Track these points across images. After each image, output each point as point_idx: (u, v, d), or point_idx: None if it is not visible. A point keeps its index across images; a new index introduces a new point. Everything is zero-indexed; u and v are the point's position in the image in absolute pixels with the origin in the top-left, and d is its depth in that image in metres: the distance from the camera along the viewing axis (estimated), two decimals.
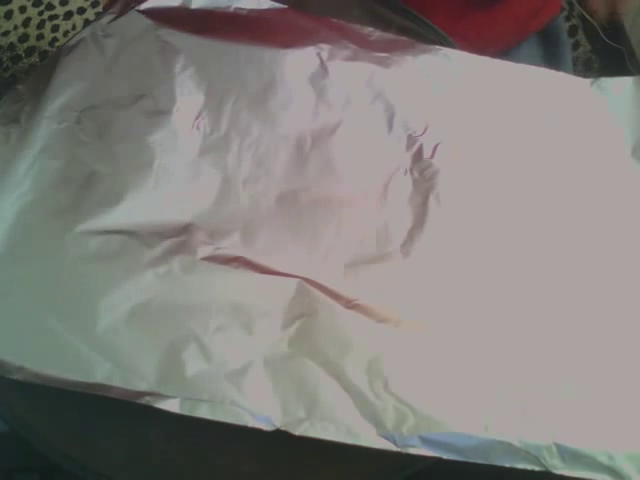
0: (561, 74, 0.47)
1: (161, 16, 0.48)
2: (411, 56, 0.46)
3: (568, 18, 0.84)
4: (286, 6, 0.48)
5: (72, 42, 0.47)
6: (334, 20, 0.47)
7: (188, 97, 0.45)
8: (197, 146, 0.44)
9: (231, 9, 0.48)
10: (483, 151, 0.44)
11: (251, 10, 0.48)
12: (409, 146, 0.44)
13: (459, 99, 0.46)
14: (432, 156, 0.44)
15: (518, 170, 0.43)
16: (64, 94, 0.45)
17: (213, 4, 0.48)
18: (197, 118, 0.45)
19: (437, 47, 0.47)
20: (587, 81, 0.47)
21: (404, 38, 0.47)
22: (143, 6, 0.48)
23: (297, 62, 0.47)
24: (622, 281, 0.40)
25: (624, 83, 0.47)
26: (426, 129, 0.45)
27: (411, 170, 0.43)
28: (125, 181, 0.42)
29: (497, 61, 0.47)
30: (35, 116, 0.44)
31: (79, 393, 0.35)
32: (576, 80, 0.47)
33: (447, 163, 0.43)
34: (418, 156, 0.44)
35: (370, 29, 0.47)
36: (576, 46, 0.81)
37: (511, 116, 0.45)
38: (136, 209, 0.41)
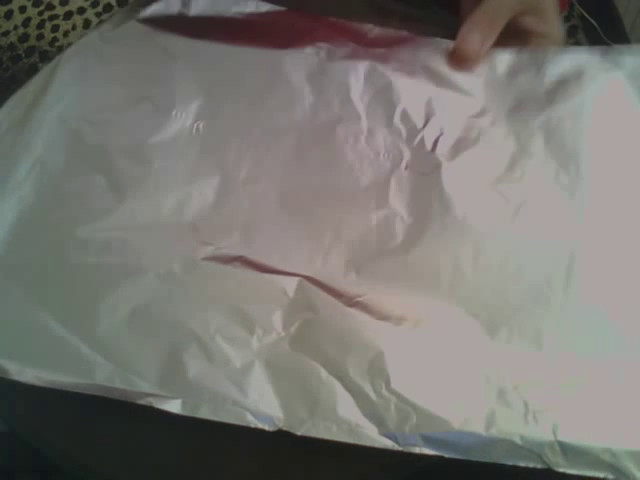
0: (567, 60, 0.45)
1: (160, 24, 0.48)
2: (411, 50, 0.46)
3: (568, 18, 0.84)
4: (284, 8, 0.48)
5: (72, 49, 0.48)
6: (332, 19, 0.47)
7: (187, 99, 0.45)
8: (197, 147, 0.44)
9: (229, 14, 0.48)
10: (486, 143, 0.44)
11: (249, 14, 0.48)
12: (410, 140, 0.44)
13: (460, 91, 0.45)
14: (433, 149, 0.43)
15: (520, 161, 0.43)
16: (64, 99, 0.45)
17: (211, 11, 0.48)
18: (196, 119, 0.44)
19: (438, 39, 0.46)
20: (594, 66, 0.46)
21: (404, 33, 0.47)
22: (142, 15, 0.48)
23: (296, 62, 0.47)
24: (627, 279, 0.39)
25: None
26: (427, 122, 0.44)
27: (412, 164, 0.43)
28: (125, 183, 0.42)
29: (498, 51, 0.46)
30: (36, 120, 0.44)
31: (79, 393, 0.35)
32: (583, 65, 0.45)
33: (449, 156, 0.43)
34: (419, 150, 0.43)
35: (370, 26, 0.47)
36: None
37: (512, 107, 0.45)
38: (136, 210, 0.41)
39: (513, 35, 0.46)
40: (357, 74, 0.46)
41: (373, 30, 0.47)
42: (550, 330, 0.37)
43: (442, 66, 0.46)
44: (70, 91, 0.45)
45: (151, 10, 0.49)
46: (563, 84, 0.45)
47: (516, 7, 0.45)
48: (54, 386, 0.35)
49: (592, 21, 0.58)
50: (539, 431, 0.34)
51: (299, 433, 0.34)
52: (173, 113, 0.45)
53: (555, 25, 0.47)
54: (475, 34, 0.44)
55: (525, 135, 0.44)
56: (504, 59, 0.46)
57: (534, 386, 0.35)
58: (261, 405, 0.35)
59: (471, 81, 0.46)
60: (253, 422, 0.35)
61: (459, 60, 0.45)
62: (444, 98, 0.45)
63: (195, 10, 0.48)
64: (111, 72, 0.46)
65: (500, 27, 0.44)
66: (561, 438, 0.33)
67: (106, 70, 0.47)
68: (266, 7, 0.48)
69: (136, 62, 0.47)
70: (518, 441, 0.33)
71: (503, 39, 0.46)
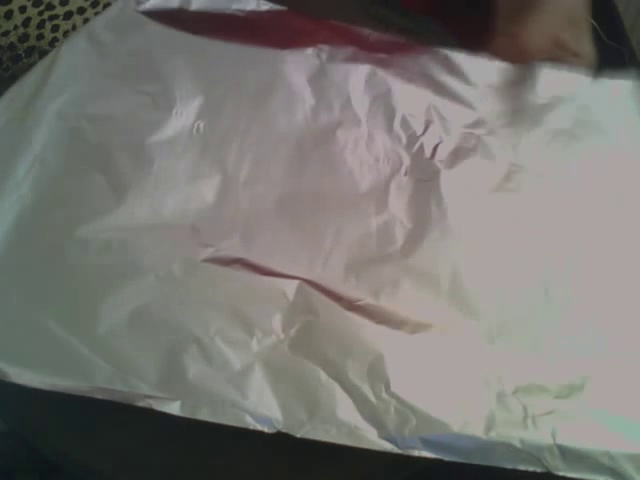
0: (563, 72, 0.47)
1: (160, 18, 0.48)
2: (411, 57, 0.47)
3: None
4: (285, 8, 0.48)
5: (70, 43, 0.47)
6: (333, 22, 0.47)
7: (187, 98, 0.45)
8: (197, 147, 0.43)
9: (230, 11, 0.48)
10: (483, 152, 0.44)
11: (250, 12, 0.48)
12: (409, 146, 0.44)
13: (458, 100, 0.46)
14: (433, 156, 0.44)
15: (516, 171, 0.43)
16: (63, 95, 0.45)
17: (212, 6, 0.48)
18: (197, 119, 0.44)
19: (436, 48, 0.47)
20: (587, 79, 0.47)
21: (404, 40, 0.47)
22: (142, 8, 0.48)
23: (297, 63, 0.47)
24: (626, 281, 0.40)
25: (623, 86, 0.47)
26: (426, 129, 0.45)
27: (411, 170, 0.43)
28: (125, 183, 0.42)
29: (496, 62, 0.47)
30: (34, 116, 0.44)
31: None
32: (577, 77, 0.47)
33: (447, 163, 0.43)
34: (419, 156, 0.44)
35: (370, 31, 0.47)
36: None
37: (509, 117, 0.45)
38: (136, 211, 0.41)
39: (547, 51, 0.47)
40: (358, 78, 0.46)
41: (373, 35, 0.47)
42: (549, 333, 0.38)
43: (441, 74, 0.46)
44: (69, 84, 0.45)
45: (152, 2, 0.48)
46: (558, 97, 0.46)
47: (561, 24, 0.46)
48: (55, 389, 0.35)
49: (592, 21, 0.58)
50: (538, 435, 0.34)
51: (298, 435, 0.34)
52: (174, 112, 0.44)
53: (589, 46, 0.47)
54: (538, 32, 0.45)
55: (522, 145, 0.44)
56: (502, 70, 0.46)
57: (533, 390, 0.35)
58: (260, 407, 0.35)
59: (470, 91, 0.46)
60: (252, 424, 0.35)
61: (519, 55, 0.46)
62: (443, 106, 0.45)
63: (196, 4, 0.48)
64: (110, 65, 0.46)
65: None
66: (560, 442, 0.34)
67: (105, 63, 0.46)
68: (267, 6, 0.48)
69: (136, 56, 0.46)
70: (517, 444, 0.34)
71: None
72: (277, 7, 0.48)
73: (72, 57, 0.46)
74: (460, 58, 0.47)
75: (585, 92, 0.46)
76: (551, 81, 0.46)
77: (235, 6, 0.48)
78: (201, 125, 0.44)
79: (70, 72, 0.45)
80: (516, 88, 0.46)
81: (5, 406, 0.38)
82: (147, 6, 0.48)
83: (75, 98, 0.45)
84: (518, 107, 0.46)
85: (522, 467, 0.33)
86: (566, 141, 0.45)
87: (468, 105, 0.46)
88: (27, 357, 0.36)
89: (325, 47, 0.47)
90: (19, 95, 0.45)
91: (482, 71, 0.47)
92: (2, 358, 0.36)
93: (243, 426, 0.34)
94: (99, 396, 0.35)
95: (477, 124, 0.45)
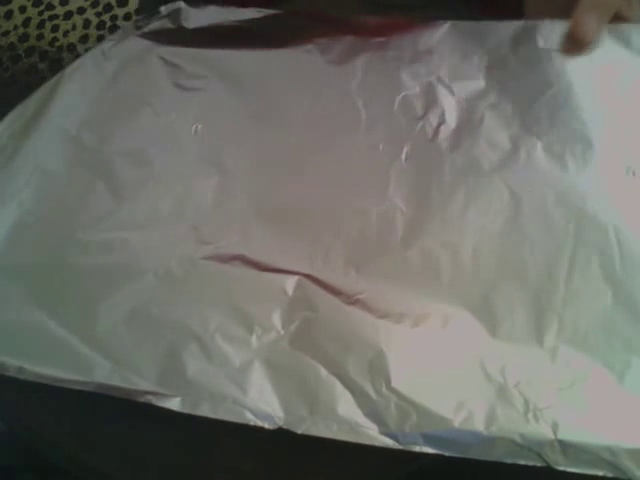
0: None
1: (161, 38, 0.49)
2: (410, 36, 0.46)
3: None
4: (280, 11, 0.48)
5: (74, 65, 0.49)
6: (329, 15, 0.47)
7: (187, 101, 0.46)
8: (196, 148, 0.44)
9: (227, 23, 0.49)
10: (488, 127, 0.42)
11: (246, 20, 0.48)
12: (410, 129, 0.43)
13: (461, 74, 0.44)
14: (434, 137, 0.43)
15: (524, 144, 0.41)
16: (66, 110, 0.46)
17: (209, 21, 0.49)
18: (196, 121, 0.45)
19: (437, 23, 0.46)
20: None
21: (402, 20, 0.47)
22: (142, 31, 0.50)
23: (294, 59, 0.47)
24: (630, 274, 0.39)
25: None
26: (427, 110, 0.44)
27: (412, 155, 0.42)
28: (124, 184, 0.42)
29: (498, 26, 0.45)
30: (37, 131, 0.45)
31: (79, 392, 0.35)
32: None
33: (450, 143, 0.42)
34: (420, 139, 0.43)
35: (366, 17, 0.47)
36: None
37: (515, 88, 0.43)
38: (135, 211, 0.42)
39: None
40: (355, 67, 0.46)
41: (370, 20, 0.47)
42: (551, 327, 0.37)
43: (443, 49, 0.45)
44: (72, 103, 0.47)
45: (152, 26, 0.50)
46: (566, 61, 0.43)
47: None
48: (53, 383, 0.35)
49: None
50: (539, 429, 0.34)
51: (299, 432, 0.34)
52: (172, 115, 0.45)
53: (638, 9, 0.45)
54: (591, 15, 0.40)
55: (529, 116, 0.42)
56: (506, 39, 0.45)
57: (535, 384, 0.35)
58: (261, 403, 0.35)
59: (472, 63, 0.45)
60: (253, 420, 0.34)
61: (575, 43, 0.41)
62: (445, 83, 0.44)
63: (194, 23, 0.49)
64: (111, 84, 0.48)
65: (616, 4, 0.41)
66: (561, 436, 0.33)
67: (107, 84, 0.48)
68: (262, 12, 0.48)
69: (137, 75, 0.48)
70: (518, 439, 0.33)
71: None
72: (272, 11, 0.48)
73: (75, 78, 0.48)
74: (464, 29, 0.45)
75: (597, 57, 0.42)
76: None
77: (232, 18, 0.49)
78: (199, 127, 0.45)
79: (73, 91, 0.47)
80: (522, 59, 0.44)
81: (4, 406, 0.38)
82: (147, 29, 0.50)
83: (77, 113, 0.46)
84: (524, 78, 0.43)
85: (522, 462, 0.33)
86: (577, 109, 0.42)
87: (471, 80, 0.44)
88: (27, 353, 0.36)
89: (322, 41, 0.47)
90: (22, 114, 0.46)
91: (487, 41, 0.45)
92: (2, 353, 0.36)
93: (244, 422, 0.34)
94: (98, 391, 0.35)
95: (480, 99, 0.43)
